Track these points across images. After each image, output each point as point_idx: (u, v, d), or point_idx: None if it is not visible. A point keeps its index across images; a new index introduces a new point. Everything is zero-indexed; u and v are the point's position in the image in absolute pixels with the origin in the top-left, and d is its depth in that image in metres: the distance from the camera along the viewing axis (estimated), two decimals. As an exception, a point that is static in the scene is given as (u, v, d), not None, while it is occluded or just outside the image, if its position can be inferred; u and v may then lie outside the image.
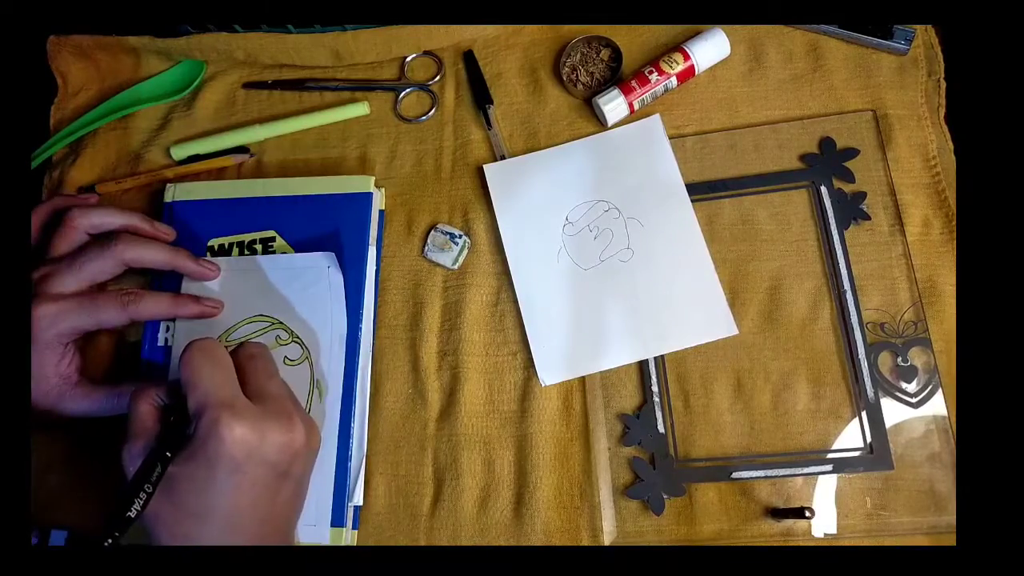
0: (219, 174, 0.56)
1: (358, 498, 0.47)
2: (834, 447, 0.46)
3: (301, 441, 0.38)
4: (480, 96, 0.56)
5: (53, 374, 0.44)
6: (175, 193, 0.53)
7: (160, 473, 0.36)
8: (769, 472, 0.46)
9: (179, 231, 0.52)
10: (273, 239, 0.51)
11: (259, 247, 0.51)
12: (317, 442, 0.41)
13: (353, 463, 0.47)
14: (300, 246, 0.51)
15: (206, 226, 0.52)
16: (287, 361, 0.48)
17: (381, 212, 0.53)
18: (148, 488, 0.35)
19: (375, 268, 0.51)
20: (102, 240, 0.46)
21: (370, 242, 0.51)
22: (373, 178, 0.52)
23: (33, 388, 0.44)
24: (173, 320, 0.49)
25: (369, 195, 0.51)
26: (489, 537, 0.46)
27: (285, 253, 0.51)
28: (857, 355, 0.47)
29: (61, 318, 0.43)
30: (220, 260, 0.50)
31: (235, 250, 0.51)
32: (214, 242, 0.52)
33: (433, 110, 0.56)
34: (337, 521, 0.45)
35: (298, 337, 0.48)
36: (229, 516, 0.36)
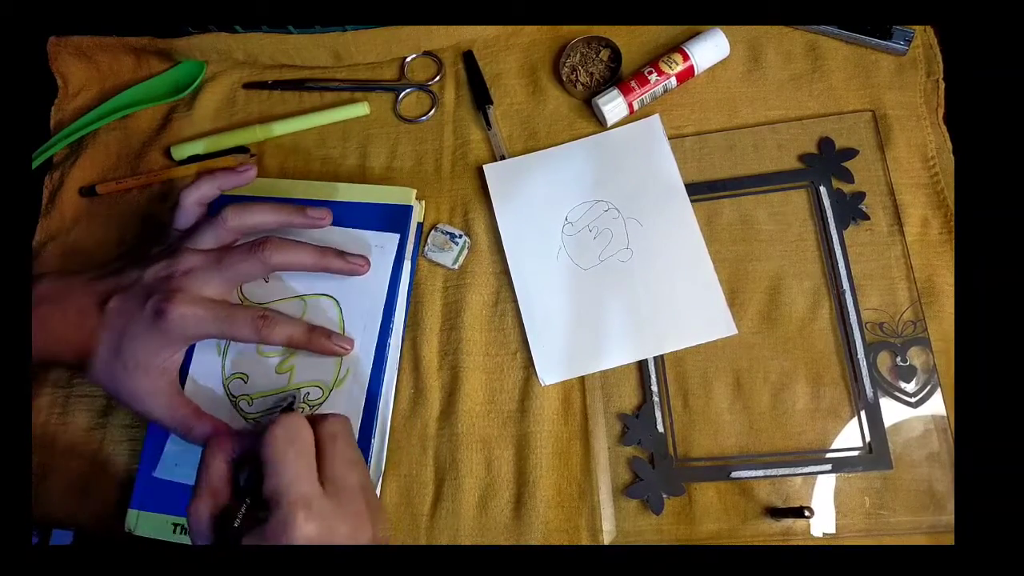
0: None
1: None
2: (833, 447, 0.46)
3: (367, 538, 0.37)
4: (480, 96, 0.56)
5: (157, 366, 0.43)
6: None
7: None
8: (768, 472, 0.46)
9: None
10: None
11: None
12: (384, 533, 0.40)
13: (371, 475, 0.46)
14: None
15: None
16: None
17: (419, 224, 0.53)
18: None
19: (408, 282, 0.51)
20: (250, 243, 0.44)
21: (406, 256, 0.50)
22: (414, 191, 0.51)
23: (125, 362, 0.42)
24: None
25: (409, 208, 0.51)
26: (489, 536, 0.46)
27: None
28: (856, 355, 0.47)
29: (197, 324, 0.42)
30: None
31: None
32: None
33: (433, 110, 0.56)
34: None
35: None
36: None
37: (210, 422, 0.45)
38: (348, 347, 0.47)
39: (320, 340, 0.46)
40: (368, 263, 0.48)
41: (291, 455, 0.36)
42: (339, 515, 0.36)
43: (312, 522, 0.34)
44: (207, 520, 0.36)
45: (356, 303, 0.49)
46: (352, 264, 0.47)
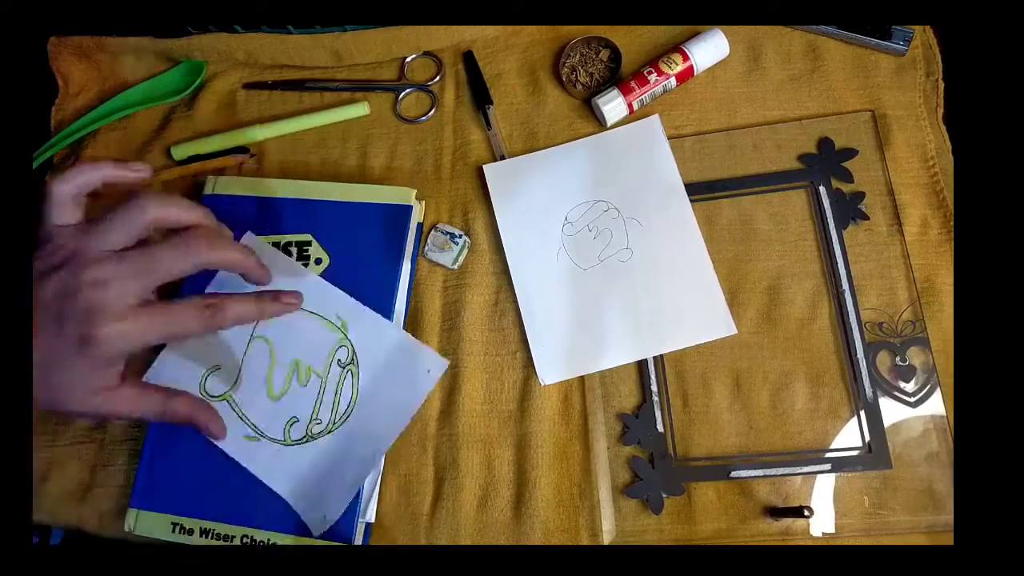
0: (220, 175, 0.56)
1: (370, 515, 0.47)
2: (832, 446, 0.46)
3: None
4: (480, 96, 0.56)
5: (99, 383, 0.39)
6: (216, 186, 0.53)
7: None
8: (768, 471, 0.46)
9: None
10: (309, 243, 0.51)
11: (295, 250, 0.50)
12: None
13: (369, 478, 0.46)
14: (336, 253, 0.50)
15: (243, 223, 0.51)
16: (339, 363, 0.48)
17: (419, 225, 0.53)
18: None
19: (408, 283, 0.51)
20: (175, 239, 0.39)
21: (405, 256, 0.50)
22: (414, 191, 0.51)
23: (67, 395, 0.38)
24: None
25: (409, 208, 0.51)
26: (489, 536, 0.46)
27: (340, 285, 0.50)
28: (856, 354, 0.47)
29: (132, 337, 0.37)
30: (278, 257, 0.50)
31: None
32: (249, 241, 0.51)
33: (433, 110, 0.56)
34: (345, 535, 0.44)
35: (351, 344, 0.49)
36: None
37: (186, 395, 0.43)
38: (297, 301, 0.47)
39: (271, 307, 0.45)
40: (300, 297, 0.47)
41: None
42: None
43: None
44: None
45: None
46: (266, 270, 0.45)
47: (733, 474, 0.46)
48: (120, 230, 0.39)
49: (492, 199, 0.53)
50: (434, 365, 0.49)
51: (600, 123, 0.54)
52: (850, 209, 0.50)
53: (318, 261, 0.50)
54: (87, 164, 0.41)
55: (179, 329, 0.39)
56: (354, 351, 0.48)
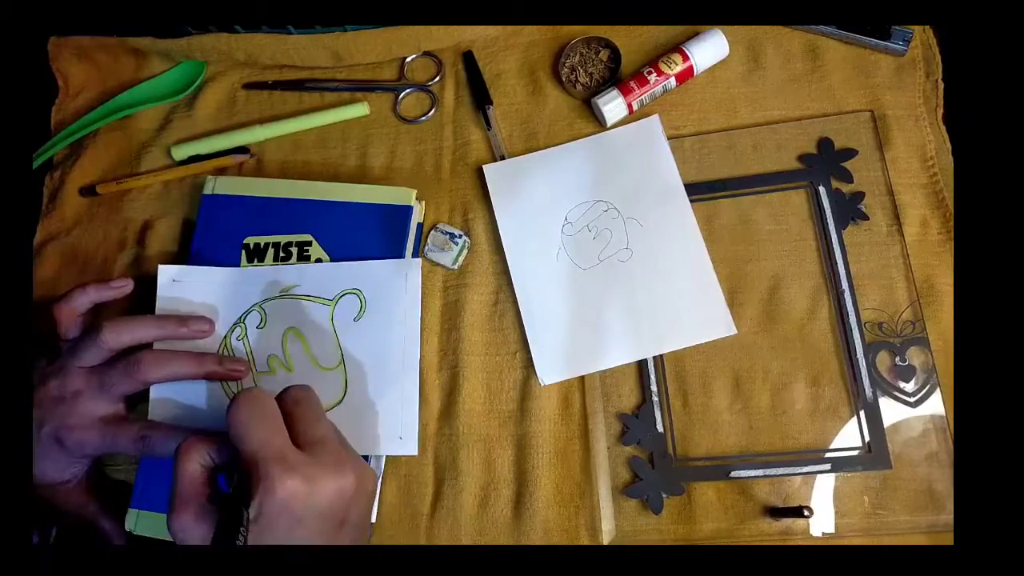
0: (220, 175, 0.56)
1: (372, 515, 0.47)
2: (832, 446, 0.46)
3: (353, 487, 0.36)
4: (480, 97, 0.56)
5: (61, 477, 0.45)
6: (215, 186, 0.53)
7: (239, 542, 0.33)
8: (768, 471, 0.46)
9: (216, 226, 0.52)
10: (309, 243, 0.51)
11: (295, 250, 0.50)
12: (372, 484, 0.39)
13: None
14: (336, 253, 0.50)
15: (243, 224, 0.51)
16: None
17: (419, 225, 0.53)
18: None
19: None
20: (125, 361, 0.45)
21: (406, 255, 0.50)
22: (414, 191, 0.51)
23: (39, 476, 0.44)
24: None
25: (409, 208, 0.51)
26: (488, 536, 0.46)
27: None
28: (855, 354, 0.47)
29: (90, 446, 0.44)
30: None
31: (271, 251, 0.51)
32: (250, 240, 0.51)
33: (433, 111, 0.56)
34: None
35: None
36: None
37: (157, 427, 0.45)
38: (244, 369, 0.48)
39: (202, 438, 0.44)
40: (248, 368, 0.48)
41: (257, 419, 0.36)
42: (317, 466, 0.36)
43: (291, 475, 0.34)
44: (195, 530, 0.35)
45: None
46: (229, 370, 0.47)
47: (733, 474, 0.46)
48: (92, 352, 0.45)
49: (492, 199, 0.53)
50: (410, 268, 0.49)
51: (600, 123, 0.54)
52: (850, 209, 0.50)
53: (318, 261, 0.50)
54: (76, 291, 0.48)
55: (119, 447, 0.44)
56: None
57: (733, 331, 0.48)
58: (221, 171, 0.56)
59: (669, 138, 0.53)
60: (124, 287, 0.50)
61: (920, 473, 0.45)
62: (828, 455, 0.46)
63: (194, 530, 0.35)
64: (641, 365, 0.49)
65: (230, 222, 0.52)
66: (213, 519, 0.35)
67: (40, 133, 0.60)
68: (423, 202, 0.53)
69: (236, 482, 0.36)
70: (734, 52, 0.54)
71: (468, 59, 0.57)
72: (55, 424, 0.43)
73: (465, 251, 0.52)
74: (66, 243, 0.56)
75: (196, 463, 0.37)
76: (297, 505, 0.34)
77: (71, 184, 0.57)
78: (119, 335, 0.45)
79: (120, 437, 0.44)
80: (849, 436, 0.46)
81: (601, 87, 0.54)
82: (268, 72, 0.59)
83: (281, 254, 0.51)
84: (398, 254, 0.50)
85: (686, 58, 0.52)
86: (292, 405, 0.39)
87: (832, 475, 0.45)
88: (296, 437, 0.37)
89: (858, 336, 0.47)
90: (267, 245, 0.51)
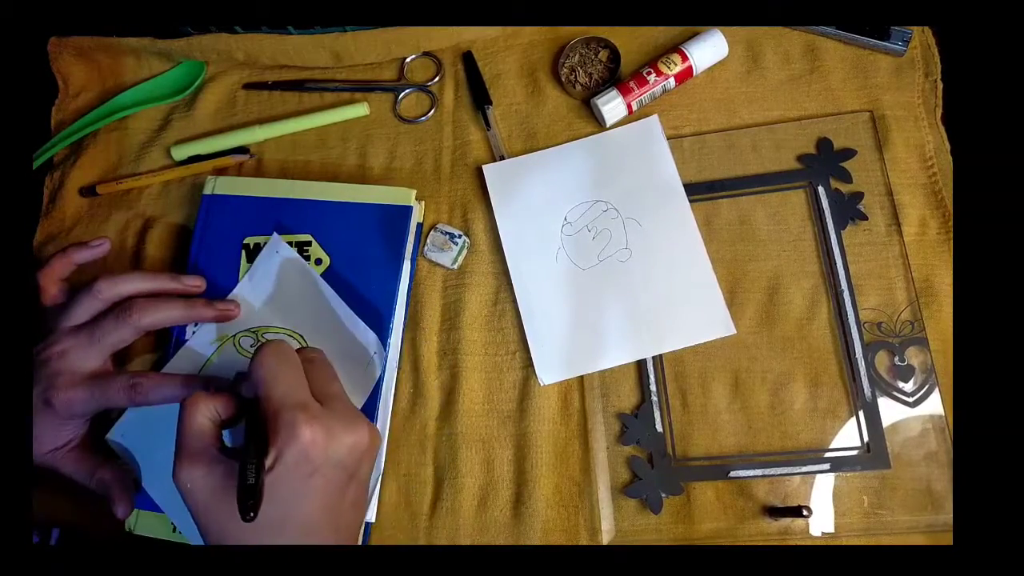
0: (220, 175, 0.56)
1: (370, 515, 0.47)
2: (831, 446, 0.46)
3: (367, 441, 0.37)
4: (479, 97, 0.56)
5: (53, 442, 0.44)
6: (215, 186, 0.53)
7: (256, 495, 0.33)
8: (767, 471, 0.46)
9: (216, 226, 0.52)
10: (309, 243, 0.51)
11: (295, 250, 0.50)
12: (379, 442, 0.41)
13: (371, 479, 0.46)
14: (336, 253, 0.50)
15: (243, 223, 0.51)
16: None
17: (419, 225, 0.52)
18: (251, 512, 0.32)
19: (408, 284, 0.51)
20: (117, 309, 0.45)
21: (405, 256, 0.50)
22: (414, 191, 0.51)
23: (35, 447, 0.44)
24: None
25: (409, 208, 0.50)
26: (488, 536, 0.47)
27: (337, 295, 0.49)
28: (854, 354, 0.47)
29: (82, 404, 0.43)
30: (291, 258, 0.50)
31: None
32: (250, 240, 0.51)
33: (432, 111, 0.56)
34: None
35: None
36: (305, 524, 0.35)
37: (114, 465, 0.45)
38: (234, 313, 0.48)
39: (195, 383, 0.44)
40: (238, 307, 0.49)
41: (284, 368, 0.38)
42: (335, 418, 0.37)
43: (313, 425, 0.35)
44: (205, 481, 0.35)
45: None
46: (221, 311, 0.48)
47: (732, 474, 0.46)
48: (84, 307, 0.45)
49: (491, 199, 0.53)
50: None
51: (599, 123, 0.54)
52: (849, 209, 0.50)
53: (318, 261, 0.50)
54: (56, 256, 0.48)
55: (111, 401, 0.43)
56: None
57: (732, 331, 0.48)
58: (221, 171, 0.56)
59: (668, 138, 0.53)
60: (102, 246, 0.50)
61: (919, 473, 0.45)
62: (827, 455, 0.46)
63: (204, 480, 0.35)
64: (640, 365, 0.49)
65: (230, 222, 0.52)
66: (223, 470, 0.35)
67: (40, 133, 0.60)
68: (423, 202, 0.53)
69: (251, 430, 0.37)
70: (733, 52, 0.54)
71: (468, 59, 0.57)
72: (43, 386, 0.43)
73: (464, 251, 0.52)
74: (66, 243, 0.56)
75: (205, 416, 0.38)
76: (316, 453, 0.35)
77: (71, 184, 0.57)
78: (114, 284, 0.46)
79: (109, 389, 0.43)
80: (848, 436, 0.46)
81: (600, 87, 0.54)
82: (268, 72, 0.59)
83: None
84: (398, 254, 0.50)
85: (685, 58, 0.52)
86: (307, 363, 0.40)
87: (831, 475, 0.45)
88: (312, 393, 0.38)
89: (857, 336, 0.47)
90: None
